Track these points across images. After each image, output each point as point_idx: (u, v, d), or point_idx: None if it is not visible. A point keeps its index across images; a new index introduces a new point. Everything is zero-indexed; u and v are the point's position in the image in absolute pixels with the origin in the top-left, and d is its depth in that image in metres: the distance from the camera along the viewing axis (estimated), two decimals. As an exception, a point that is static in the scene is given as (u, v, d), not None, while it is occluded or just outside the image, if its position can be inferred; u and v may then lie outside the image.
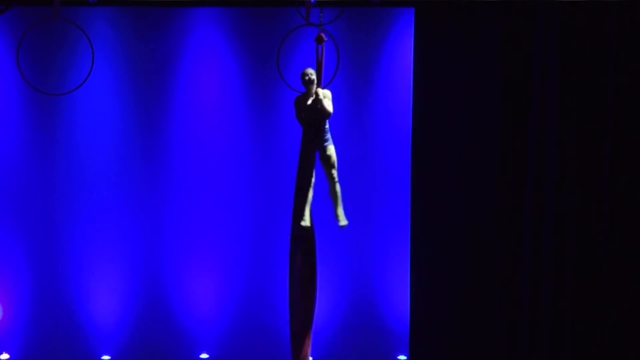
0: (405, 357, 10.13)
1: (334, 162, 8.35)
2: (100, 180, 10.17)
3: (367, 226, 10.16)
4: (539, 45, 9.56)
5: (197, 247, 10.25)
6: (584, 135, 9.57)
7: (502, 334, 9.69)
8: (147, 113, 10.21)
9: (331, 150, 8.33)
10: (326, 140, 8.32)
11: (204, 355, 10.23)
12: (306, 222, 8.25)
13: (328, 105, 8.20)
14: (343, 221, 8.44)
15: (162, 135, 10.22)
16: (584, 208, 9.59)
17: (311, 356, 10.19)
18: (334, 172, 8.36)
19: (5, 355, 10.09)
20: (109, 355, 10.20)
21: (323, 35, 8.09)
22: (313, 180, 8.32)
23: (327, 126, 8.31)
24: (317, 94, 8.17)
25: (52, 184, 10.15)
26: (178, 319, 10.23)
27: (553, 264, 9.61)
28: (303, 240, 8.33)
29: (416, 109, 9.88)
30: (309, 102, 8.21)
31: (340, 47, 8.53)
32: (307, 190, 8.26)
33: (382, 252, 10.17)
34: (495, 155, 9.70)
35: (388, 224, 10.18)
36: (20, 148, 10.13)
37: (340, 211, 8.42)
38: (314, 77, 8.18)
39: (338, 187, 8.41)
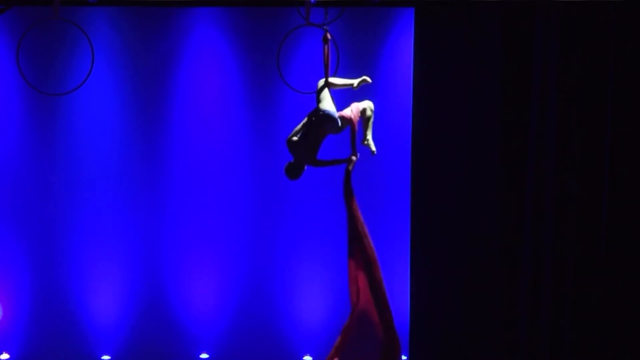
0: (405, 357, 10.13)
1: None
2: (100, 180, 10.18)
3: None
4: (539, 45, 9.56)
5: (197, 247, 10.25)
6: (585, 134, 9.58)
7: (502, 334, 9.70)
8: (147, 113, 10.21)
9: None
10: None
11: (204, 355, 10.23)
12: None
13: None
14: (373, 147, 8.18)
15: (162, 135, 10.23)
16: (584, 208, 9.59)
17: (311, 356, 10.21)
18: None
19: (5, 355, 10.09)
20: (109, 355, 10.20)
21: (328, 35, 8.08)
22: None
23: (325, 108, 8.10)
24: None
25: (52, 183, 10.16)
26: (178, 319, 10.23)
27: (553, 265, 9.61)
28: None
29: (416, 109, 9.88)
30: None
31: (340, 47, 8.52)
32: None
33: (382, 252, 10.15)
34: (496, 154, 9.70)
35: (388, 224, 10.19)
36: (20, 148, 10.13)
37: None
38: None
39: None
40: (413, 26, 9.89)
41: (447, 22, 9.78)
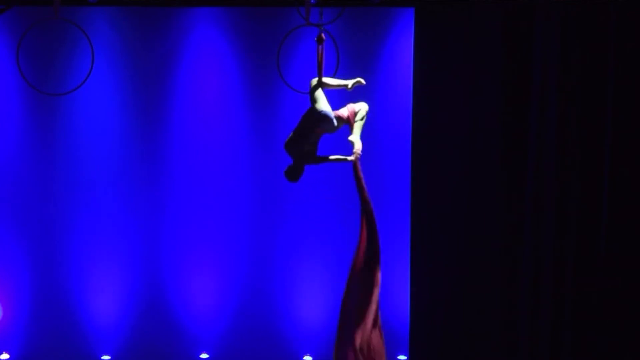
0: (405, 357, 10.13)
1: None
2: (100, 180, 10.18)
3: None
4: (539, 45, 9.57)
5: (197, 247, 10.25)
6: (585, 134, 9.58)
7: (502, 334, 9.70)
8: (147, 113, 10.21)
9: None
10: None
11: (204, 355, 10.23)
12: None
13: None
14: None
15: (162, 135, 10.23)
16: (584, 208, 9.59)
17: (310, 356, 10.21)
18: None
19: (5, 355, 10.09)
20: (109, 355, 10.20)
21: (323, 35, 8.10)
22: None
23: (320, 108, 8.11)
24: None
25: (52, 183, 10.16)
26: (178, 319, 10.23)
27: (553, 265, 9.61)
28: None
29: (416, 109, 9.88)
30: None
31: (340, 47, 8.53)
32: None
33: (382, 252, 10.15)
34: (496, 154, 9.71)
35: (388, 224, 10.17)
36: (20, 148, 10.13)
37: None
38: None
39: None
40: (413, 26, 9.89)
41: (447, 22, 9.78)
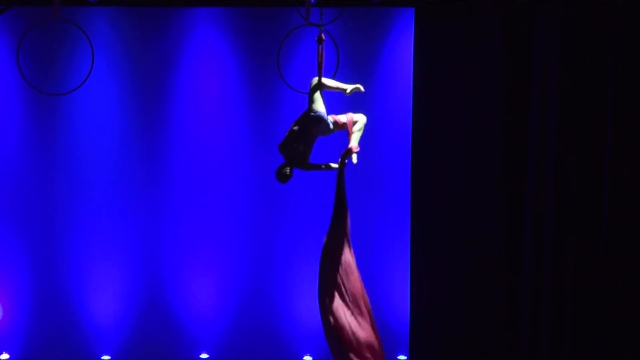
0: (405, 357, 10.14)
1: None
2: (100, 180, 10.18)
3: (367, 226, 10.16)
4: (539, 45, 9.57)
5: (197, 247, 10.25)
6: (585, 134, 9.58)
7: (502, 334, 9.70)
8: (147, 113, 10.21)
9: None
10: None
11: (204, 355, 10.23)
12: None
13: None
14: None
15: (162, 135, 10.23)
16: (584, 208, 9.59)
17: (310, 356, 10.21)
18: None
19: (5, 355, 10.09)
20: (109, 355, 10.20)
21: (323, 35, 8.10)
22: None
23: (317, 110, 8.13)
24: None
25: (52, 183, 10.16)
26: (178, 319, 10.23)
27: (553, 265, 9.61)
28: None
29: (416, 109, 9.88)
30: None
31: (340, 47, 8.53)
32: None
33: (382, 252, 10.18)
34: (496, 154, 9.71)
35: (388, 224, 10.19)
36: (20, 148, 10.13)
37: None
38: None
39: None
40: (413, 26, 9.89)
41: (447, 22, 9.78)
